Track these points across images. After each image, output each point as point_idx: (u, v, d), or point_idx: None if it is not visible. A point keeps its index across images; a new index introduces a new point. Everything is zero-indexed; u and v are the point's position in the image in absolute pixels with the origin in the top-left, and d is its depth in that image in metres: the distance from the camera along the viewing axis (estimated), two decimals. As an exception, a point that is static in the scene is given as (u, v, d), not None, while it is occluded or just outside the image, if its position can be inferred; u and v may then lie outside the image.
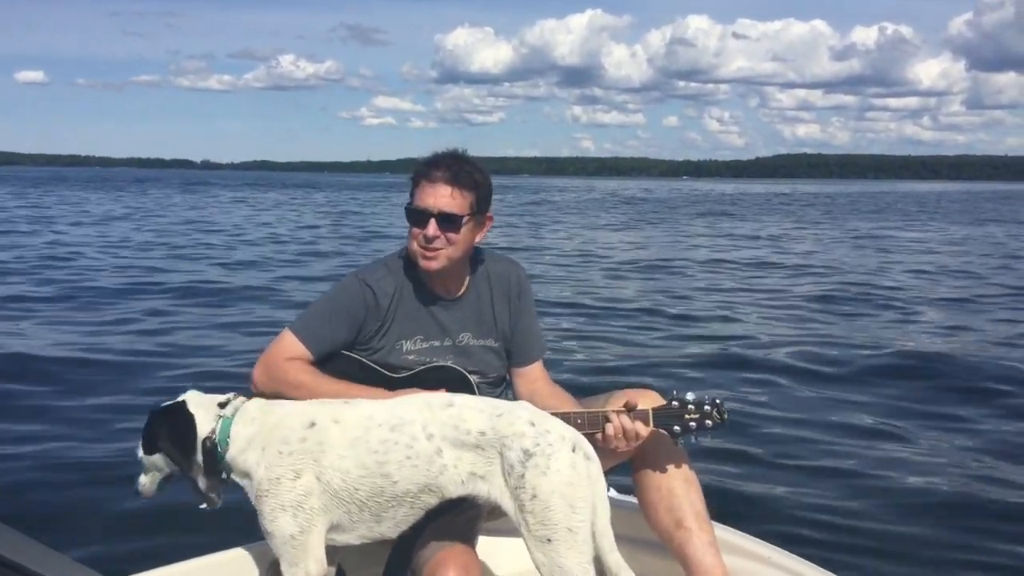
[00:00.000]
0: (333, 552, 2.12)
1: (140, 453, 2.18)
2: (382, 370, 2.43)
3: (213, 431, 2.12)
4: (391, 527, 2.09)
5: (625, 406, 2.30)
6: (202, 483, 2.17)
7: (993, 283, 14.42)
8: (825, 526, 4.19)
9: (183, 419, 2.14)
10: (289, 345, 2.38)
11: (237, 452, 2.09)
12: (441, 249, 2.38)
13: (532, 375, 2.59)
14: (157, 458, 2.16)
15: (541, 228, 28.14)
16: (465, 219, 2.38)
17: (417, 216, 2.38)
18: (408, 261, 2.50)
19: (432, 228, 2.35)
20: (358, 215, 36.04)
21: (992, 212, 45.80)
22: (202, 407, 2.17)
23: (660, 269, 16.22)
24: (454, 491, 2.02)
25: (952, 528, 4.22)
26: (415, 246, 2.39)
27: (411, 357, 2.45)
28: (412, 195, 2.43)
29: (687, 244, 22.48)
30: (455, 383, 2.40)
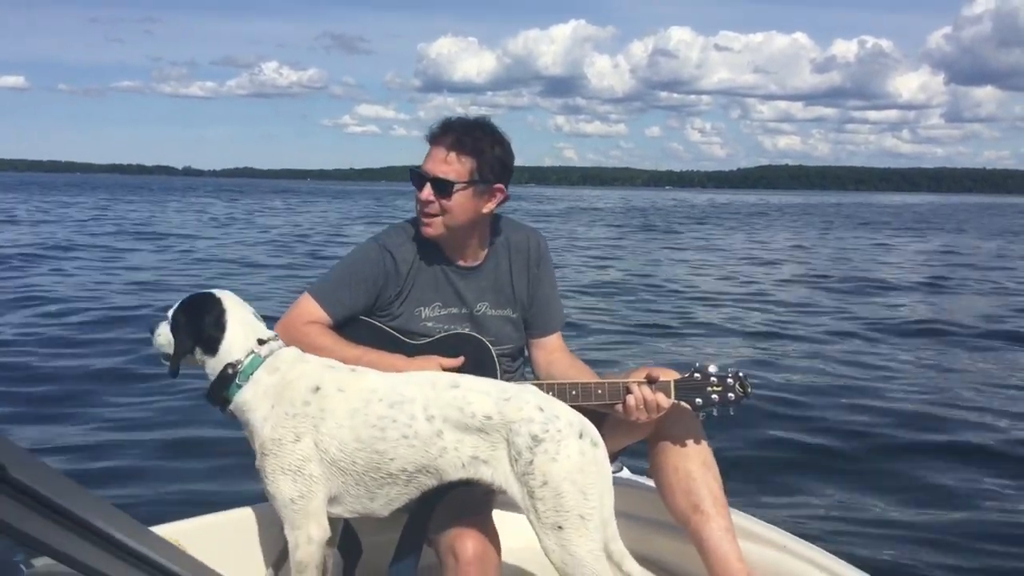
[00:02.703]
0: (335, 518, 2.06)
1: (164, 329, 2.11)
2: (401, 336, 2.38)
3: (240, 362, 2.05)
4: (383, 504, 2.03)
5: (647, 378, 2.26)
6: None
7: None
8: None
9: (214, 319, 2.07)
10: (308, 309, 2.34)
11: (250, 396, 2.03)
12: (436, 216, 2.33)
13: (550, 346, 2.55)
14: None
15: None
16: (459, 186, 2.30)
17: (415, 179, 2.36)
18: None
19: (426, 192, 2.32)
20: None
21: None
22: (243, 326, 2.09)
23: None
24: (453, 474, 1.96)
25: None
26: (417, 210, 2.38)
27: (430, 324, 2.40)
28: None
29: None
30: (475, 350, 2.35)
